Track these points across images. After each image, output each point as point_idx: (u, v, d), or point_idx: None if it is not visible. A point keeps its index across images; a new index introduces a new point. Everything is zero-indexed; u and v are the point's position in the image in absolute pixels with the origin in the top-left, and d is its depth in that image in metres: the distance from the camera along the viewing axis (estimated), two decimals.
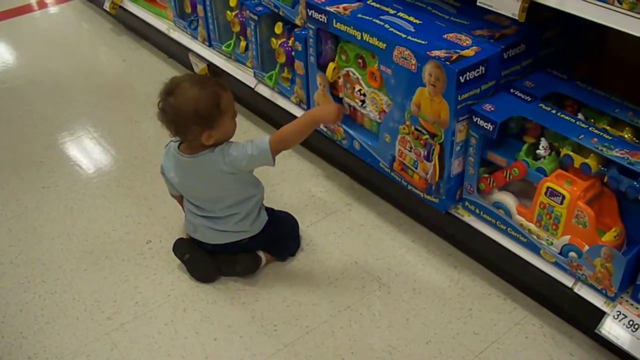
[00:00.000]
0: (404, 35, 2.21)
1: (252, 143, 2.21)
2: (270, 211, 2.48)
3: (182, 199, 2.45)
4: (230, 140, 2.27)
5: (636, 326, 1.93)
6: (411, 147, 2.33)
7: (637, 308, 1.96)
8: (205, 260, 2.43)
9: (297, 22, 2.75)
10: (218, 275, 2.44)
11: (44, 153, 3.18)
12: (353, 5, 2.43)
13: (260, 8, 2.93)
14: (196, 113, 2.14)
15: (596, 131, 1.97)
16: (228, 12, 3.20)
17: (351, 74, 2.49)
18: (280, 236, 2.46)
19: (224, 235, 2.37)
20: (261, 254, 2.44)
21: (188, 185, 2.34)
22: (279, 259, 2.49)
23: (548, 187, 2.01)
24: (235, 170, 2.24)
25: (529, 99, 2.12)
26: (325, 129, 2.73)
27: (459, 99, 2.08)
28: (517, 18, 1.90)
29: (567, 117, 2.04)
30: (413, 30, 2.24)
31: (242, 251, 2.42)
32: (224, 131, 2.23)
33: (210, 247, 2.42)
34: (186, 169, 2.29)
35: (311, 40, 2.56)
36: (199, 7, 3.34)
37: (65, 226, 2.71)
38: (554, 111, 2.07)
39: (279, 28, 2.90)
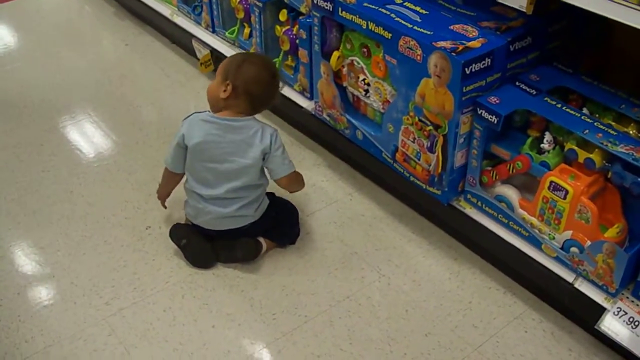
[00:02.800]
0: (410, 25, 2.20)
1: (290, 161, 2.39)
2: (270, 195, 2.49)
3: (179, 180, 2.46)
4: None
5: (636, 323, 1.93)
6: (414, 138, 2.31)
7: (637, 305, 1.96)
8: (202, 246, 2.42)
9: (302, 9, 2.73)
10: (214, 261, 2.44)
11: (44, 136, 3.16)
12: None
13: None
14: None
15: (601, 126, 1.96)
16: None
17: (355, 63, 2.47)
18: (280, 221, 2.46)
19: (227, 221, 2.37)
20: (262, 240, 2.43)
21: (219, 149, 2.31)
22: (279, 245, 2.49)
23: (551, 182, 2.01)
24: (260, 159, 2.31)
25: (534, 93, 2.11)
26: (328, 118, 2.71)
27: (464, 90, 2.07)
28: (524, 10, 1.89)
29: (572, 112, 2.03)
30: (419, 20, 2.23)
31: (243, 236, 2.41)
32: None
33: (212, 233, 2.40)
34: (226, 132, 2.30)
35: (316, 28, 2.55)
36: None
37: (64, 210, 2.70)
38: (559, 105, 2.06)
39: (283, 15, 2.88)
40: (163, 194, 2.54)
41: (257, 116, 2.37)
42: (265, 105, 2.43)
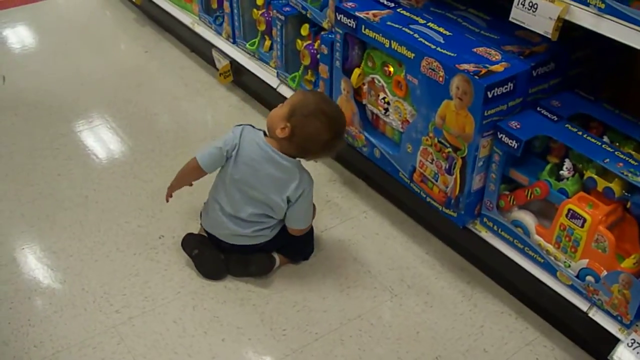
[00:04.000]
0: (433, 46, 2.19)
1: (310, 217, 2.43)
2: None
3: (200, 176, 2.41)
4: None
5: None
6: (433, 159, 2.31)
7: None
8: (213, 257, 2.42)
9: (325, 25, 2.73)
10: (225, 273, 2.43)
11: (60, 140, 3.16)
12: (383, 12, 2.41)
13: (287, 8, 2.92)
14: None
15: (622, 156, 1.95)
16: (254, 10, 3.19)
17: (376, 81, 2.47)
18: (295, 238, 2.44)
19: (243, 239, 2.36)
20: (276, 255, 2.42)
21: (255, 176, 2.29)
22: (292, 261, 2.48)
23: (569, 209, 1.99)
24: (286, 203, 2.31)
25: (556, 119, 2.10)
26: (346, 135, 2.70)
27: (485, 114, 2.06)
28: (549, 36, 1.87)
29: (593, 140, 2.02)
30: (442, 41, 2.22)
31: (257, 251, 2.41)
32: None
33: (226, 246, 2.40)
34: (269, 164, 2.28)
35: (338, 44, 2.55)
36: (226, 4, 3.32)
37: (78, 215, 2.70)
38: (579, 132, 2.05)
39: (305, 30, 2.88)
40: (176, 186, 2.47)
41: None
42: (314, 158, 2.45)
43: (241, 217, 2.32)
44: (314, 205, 2.45)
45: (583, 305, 2.06)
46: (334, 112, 2.32)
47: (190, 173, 2.41)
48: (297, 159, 2.32)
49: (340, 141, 2.35)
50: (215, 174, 2.38)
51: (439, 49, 2.18)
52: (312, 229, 2.52)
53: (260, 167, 2.27)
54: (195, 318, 2.28)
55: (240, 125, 2.35)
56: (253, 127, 2.35)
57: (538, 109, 2.15)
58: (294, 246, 2.47)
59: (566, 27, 1.86)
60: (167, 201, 2.50)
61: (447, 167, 2.26)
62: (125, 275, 2.43)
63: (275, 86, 3.11)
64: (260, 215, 2.33)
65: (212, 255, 2.42)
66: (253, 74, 3.25)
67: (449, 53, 2.16)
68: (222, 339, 2.21)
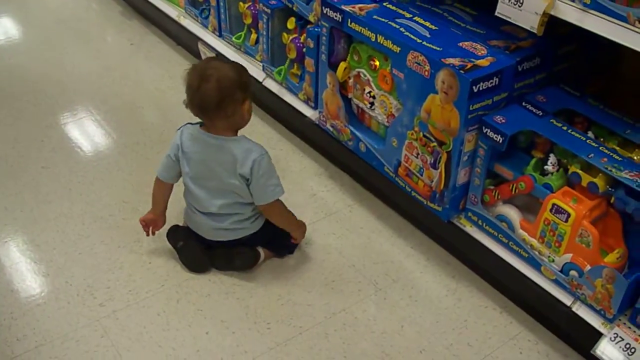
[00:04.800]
0: (419, 40, 2.19)
1: (275, 187, 2.30)
2: None
3: (170, 189, 2.43)
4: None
5: (632, 350, 1.92)
6: (418, 154, 2.31)
7: (634, 331, 1.95)
8: (198, 250, 2.41)
9: (311, 18, 2.73)
10: (209, 267, 2.43)
11: (45, 132, 3.15)
12: (369, 6, 2.40)
13: (274, 2, 2.91)
14: (240, 78, 2.21)
15: (606, 151, 1.96)
16: (241, 3, 3.17)
17: (362, 75, 2.47)
18: (279, 233, 2.43)
19: (224, 232, 2.35)
20: (260, 249, 2.42)
21: (205, 166, 2.29)
22: (277, 255, 2.47)
23: (554, 204, 2.00)
24: (244, 181, 2.26)
25: (541, 114, 2.10)
26: (331, 129, 2.70)
27: (471, 108, 2.06)
28: (535, 32, 1.88)
29: (577, 135, 2.03)
30: (428, 35, 2.22)
31: (242, 246, 2.40)
32: (248, 108, 2.28)
33: (211, 243, 2.39)
34: (210, 150, 2.27)
35: (324, 38, 2.54)
36: None
37: (62, 208, 2.69)
38: (564, 127, 2.05)
39: (291, 23, 2.87)
40: (152, 211, 2.45)
41: (251, 126, 2.36)
42: (235, 111, 2.23)
43: (212, 212, 2.32)
44: (302, 222, 2.47)
45: (567, 299, 2.07)
46: (198, 64, 2.29)
47: (157, 190, 2.44)
48: (236, 134, 2.30)
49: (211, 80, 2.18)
50: None
51: (424, 43, 2.18)
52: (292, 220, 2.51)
53: (206, 156, 2.27)
54: (179, 311, 2.27)
55: (180, 126, 2.36)
56: (191, 123, 2.34)
57: (523, 103, 2.15)
58: (279, 240, 2.46)
59: (552, 23, 1.87)
60: (148, 235, 2.49)
61: (432, 161, 2.26)
62: (109, 268, 2.42)
63: (261, 80, 3.10)
64: (231, 205, 2.31)
65: (196, 249, 2.41)
66: None
67: (434, 47, 2.16)
68: (206, 332, 2.21)
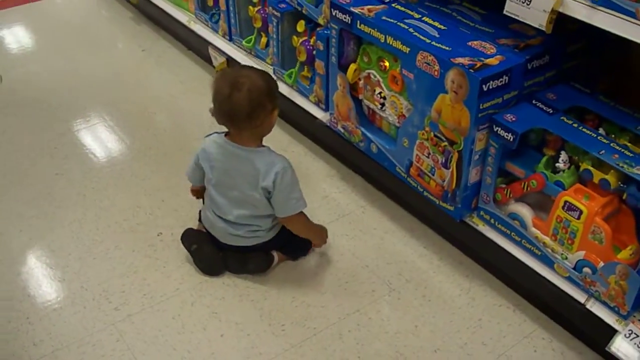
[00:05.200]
0: (428, 41, 2.19)
1: (297, 201, 2.30)
2: None
3: (203, 192, 2.45)
4: None
5: None
6: (429, 153, 2.31)
7: None
8: (212, 253, 2.42)
9: (320, 21, 2.74)
10: (223, 269, 2.44)
11: (58, 139, 3.17)
12: (378, 7, 2.41)
13: (283, 5, 2.92)
14: (269, 87, 2.22)
15: (617, 147, 1.95)
16: (250, 7, 3.19)
17: (372, 77, 2.47)
18: (294, 236, 2.43)
19: (239, 239, 2.37)
20: (274, 253, 2.43)
21: (227, 175, 2.29)
22: (291, 258, 2.48)
23: (566, 201, 2.00)
24: (265, 194, 2.27)
25: (551, 111, 2.10)
26: (343, 130, 2.71)
27: (481, 107, 2.06)
28: (544, 29, 1.88)
29: (588, 132, 2.02)
30: (437, 35, 2.23)
31: (255, 250, 2.41)
32: (274, 118, 2.29)
33: (224, 245, 2.41)
34: (233, 161, 2.27)
35: (333, 40, 2.55)
36: (221, 1, 3.32)
37: (76, 214, 2.70)
38: (575, 125, 2.05)
39: (301, 26, 2.88)
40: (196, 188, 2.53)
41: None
42: (261, 121, 2.22)
43: (229, 219, 2.33)
44: (323, 228, 2.47)
45: (580, 297, 2.07)
46: (229, 73, 2.31)
47: (196, 195, 2.54)
48: (261, 145, 2.30)
49: (243, 90, 2.17)
50: None
51: (434, 43, 2.18)
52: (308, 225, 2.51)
53: (229, 166, 2.28)
54: (194, 314, 2.28)
55: (208, 134, 2.38)
56: (217, 132, 2.35)
57: (533, 101, 2.15)
58: (292, 244, 2.46)
59: (561, 20, 1.87)
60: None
61: (443, 161, 2.26)
62: (123, 273, 2.44)
63: None
64: (248, 217, 2.32)
65: (210, 251, 2.42)
66: None
67: (444, 47, 2.16)
68: (220, 335, 2.22)
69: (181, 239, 2.48)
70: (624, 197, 1.95)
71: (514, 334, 2.24)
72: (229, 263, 2.42)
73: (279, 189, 2.24)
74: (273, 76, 2.29)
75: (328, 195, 2.81)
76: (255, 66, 3.05)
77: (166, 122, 3.34)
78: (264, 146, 2.30)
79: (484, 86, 2.02)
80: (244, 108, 2.16)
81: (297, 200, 2.29)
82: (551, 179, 2.06)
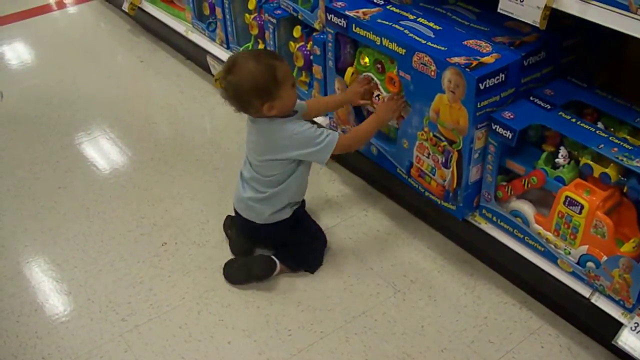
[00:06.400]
0: (423, 41, 2.20)
1: (322, 134, 2.28)
2: (300, 212, 2.51)
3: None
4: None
5: None
6: (429, 154, 2.32)
7: None
8: (237, 236, 2.54)
9: (316, 26, 2.75)
10: (251, 249, 2.53)
11: (60, 153, 3.18)
12: (372, 10, 2.42)
13: (279, 11, 2.93)
14: (255, 87, 2.19)
15: (616, 141, 1.95)
16: (247, 14, 3.20)
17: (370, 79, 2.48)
18: (301, 244, 2.46)
19: (242, 205, 2.42)
20: (277, 261, 2.42)
21: (249, 146, 2.36)
22: (291, 270, 2.46)
23: (567, 196, 2.00)
24: (292, 154, 2.28)
25: (549, 107, 2.11)
26: (343, 134, 2.72)
27: (478, 106, 2.07)
28: (538, 26, 1.88)
29: (587, 126, 2.02)
30: (433, 36, 2.23)
31: (259, 240, 2.51)
32: (284, 101, 2.25)
33: (239, 221, 2.48)
34: (252, 132, 2.33)
35: (330, 44, 2.56)
36: (218, 10, 3.34)
37: (81, 226, 2.72)
38: (573, 120, 2.05)
39: (297, 32, 2.90)
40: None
41: None
42: (273, 89, 2.21)
43: (246, 174, 2.38)
44: (380, 111, 2.41)
45: (585, 291, 2.07)
46: (237, 54, 2.43)
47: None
48: (276, 116, 2.27)
49: (274, 58, 2.28)
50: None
51: (429, 43, 2.19)
52: (321, 241, 2.53)
53: (249, 135, 2.36)
54: (201, 322, 2.29)
55: None
56: None
57: (531, 98, 2.15)
58: (300, 255, 2.47)
59: (556, 16, 1.87)
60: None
61: (443, 160, 2.27)
62: (129, 284, 2.44)
63: None
64: (258, 166, 2.34)
65: (236, 234, 2.55)
66: None
67: (439, 47, 2.17)
68: (228, 342, 2.22)
69: (223, 225, 2.63)
70: (624, 190, 1.96)
71: (520, 331, 2.24)
72: (234, 276, 2.42)
73: (300, 153, 2.28)
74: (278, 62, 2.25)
75: (330, 199, 2.81)
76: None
77: (167, 132, 3.35)
78: (278, 117, 2.28)
79: (480, 85, 2.03)
80: (233, 105, 2.28)
81: (322, 140, 2.28)
82: (551, 174, 2.07)
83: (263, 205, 2.38)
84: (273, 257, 2.43)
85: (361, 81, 2.50)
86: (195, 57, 3.80)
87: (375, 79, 2.45)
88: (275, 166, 2.32)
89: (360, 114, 2.63)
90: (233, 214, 2.54)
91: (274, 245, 2.51)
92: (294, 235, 2.46)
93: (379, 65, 2.41)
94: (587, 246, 2.02)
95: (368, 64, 2.47)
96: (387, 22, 2.33)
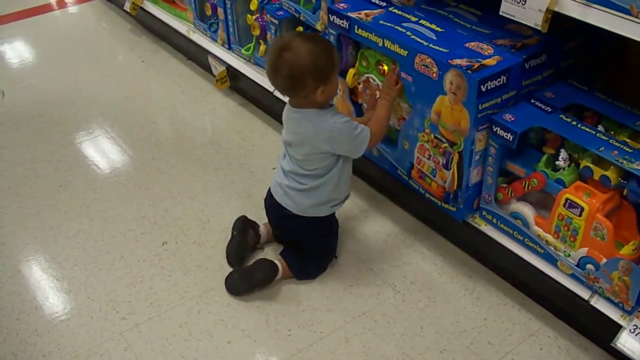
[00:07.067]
0: (425, 43, 2.21)
1: (358, 127, 2.26)
2: (335, 230, 2.52)
3: None
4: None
5: None
6: (430, 155, 2.32)
7: None
8: (239, 243, 2.50)
9: (318, 27, 2.75)
10: (242, 261, 2.49)
11: (61, 152, 3.19)
12: (375, 12, 2.42)
13: (281, 12, 2.94)
14: (314, 66, 2.14)
15: (617, 144, 1.96)
16: (249, 15, 3.21)
17: (371, 81, 2.48)
18: (314, 253, 2.46)
19: (280, 190, 2.38)
20: (279, 265, 2.41)
21: (288, 138, 2.31)
22: (294, 275, 2.45)
23: (567, 199, 2.01)
24: (332, 147, 2.25)
25: (550, 110, 2.12)
26: None
27: (480, 108, 2.08)
28: (539, 29, 1.89)
29: (587, 129, 2.03)
30: (435, 38, 2.24)
31: (282, 230, 2.53)
32: (333, 88, 2.24)
33: (272, 202, 2.43)
34: (292, 123, 2.29)
35: None
36: (220, 10, 3.34)
37: (81, 225, 2.72)
38: (574, 122, 2.06)
39: None
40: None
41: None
42: (329, 72, 2.20)
43: (286, 167, 2.35)
44: (376, 128, 2.35)
45: (584, 293, 2.07)
46: (291, 34, 2.43)
47: None
48: (323, 107, 2.25)
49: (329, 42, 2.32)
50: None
51: (431, 45, 2.20)
52: (331, 250, 2.52)
53: (288, 126, 2.32)
54: (201, 322, 2.29)
55: None
56: None
57: (532, 100, 2.16)
58: (307, 259, 2.46)
59: (557, 19, 1.88)
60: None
61: (444, 162, 2.27)
62: (130, 283, 2.45)
63: (272, 90, 3.12)
64: (299, 160, 2.31)
65: (238, 241, 2.51)
66: (249, 78, 3.27)
67: (441, 49, 2.17)
68: (227, 342, 2.23)
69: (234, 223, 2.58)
70: (624, 193, 1.96)
71: (519, 333, 2.24)
72: (237, 285, 2.40)
73: (341, 148, 2.27)
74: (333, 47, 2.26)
75: None
76: (252, 73, 3.07)
77: (168, 131, 3.36)
78: (318, 109, 2.25)
79: (482, 87, 2.04)
80: (284, 84, 2.20)
81: (359, 134, 2.26)
82: (552, 177, 2.07)
83: (304, 197, 2.35)
84: (275, 261, 2.42)
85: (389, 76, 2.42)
86: (197, 57, 3.80)
87: (377, 80, 2.45)
88: (316, 160, 2.29)
89: (361, 115, 2.63)
90: (240, 215, 2.56)
91: (288, 241, 2.51)
92: (317, 242, 2.44)
93: (381, 67, 2.41)
94: (586, 248, 2.03)
95: (370, 66, 2.47)
96: (389, 24, 2.34)
